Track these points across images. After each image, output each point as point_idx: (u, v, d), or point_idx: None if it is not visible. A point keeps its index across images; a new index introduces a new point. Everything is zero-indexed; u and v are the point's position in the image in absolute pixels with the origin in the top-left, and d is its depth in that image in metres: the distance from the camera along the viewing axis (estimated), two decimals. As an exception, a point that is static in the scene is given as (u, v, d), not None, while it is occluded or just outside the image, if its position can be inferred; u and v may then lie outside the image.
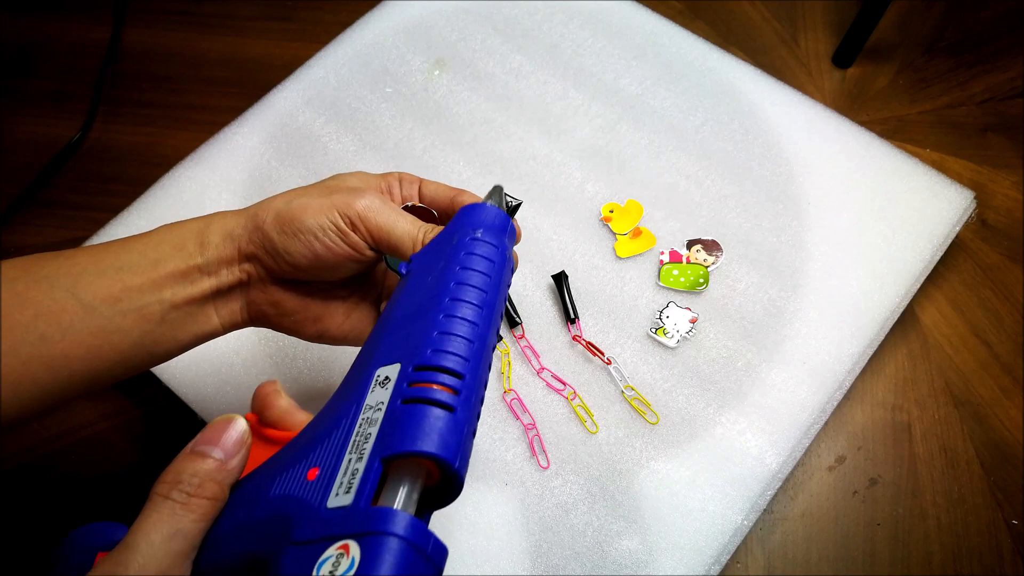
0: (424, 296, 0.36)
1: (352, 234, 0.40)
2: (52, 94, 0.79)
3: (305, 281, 0.43)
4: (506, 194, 0.42)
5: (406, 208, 0.43)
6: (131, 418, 0.64)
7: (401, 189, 0.45)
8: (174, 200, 0.69)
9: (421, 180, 0.46)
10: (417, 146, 0.71)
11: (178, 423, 0.61)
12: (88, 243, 0.66)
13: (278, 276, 0.42)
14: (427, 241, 0.40)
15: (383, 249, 0.41)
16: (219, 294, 0.42)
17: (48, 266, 0.38)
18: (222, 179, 0.70)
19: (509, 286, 0.40)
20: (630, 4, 0.78)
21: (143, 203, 0.69)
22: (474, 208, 0.41)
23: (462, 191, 0.45)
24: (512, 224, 0.42)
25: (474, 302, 0.36)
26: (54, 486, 0.61)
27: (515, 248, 0.44)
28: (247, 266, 0.42)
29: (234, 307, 0.43)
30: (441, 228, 0.41)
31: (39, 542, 0.59)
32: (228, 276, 0.41)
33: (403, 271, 0.40)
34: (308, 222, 0.40)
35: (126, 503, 0.61)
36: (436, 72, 0.75)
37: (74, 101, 0.79)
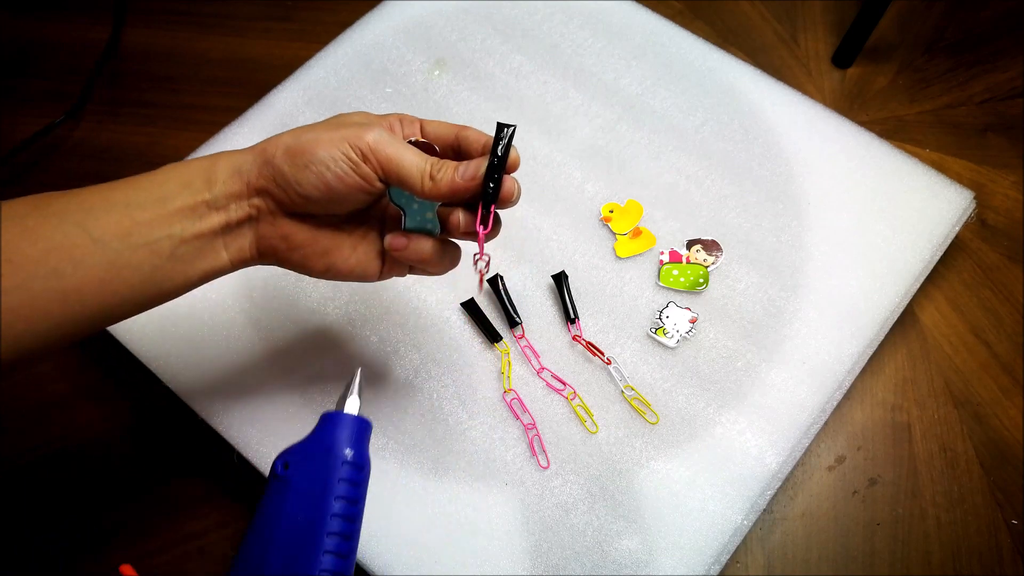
0: (304, 529, 0.42)
1: (363, 165, 0.41)
2: (52, 94, 0.79)
3: (314, 215, 0.44)
4: (500, 123, 0.43)
5: (410, 143, 0.44)
6: (131, 418, 0.64)
7: (402, 128, 0.46)
8: (174, 200, 0.68)
9: (421, 120, 0.47)
10: (417, 146, 0.71)
11: (178, 423, 0.61)
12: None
13: (288, 209, 0.43)
14: (435, 174, 0.42)
15: (392, 181, 0.42)
16: (228, 229, 0.42)
17: (56, 203, 0.39)
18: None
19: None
20: (630, 4, 0.78)
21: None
22: (336, 421, 0.45)
23: (465, 127, 0.46)
24: (370, 424, 0.45)
25: (343, 553, 0.42)
26: (54, 486, 0.61)
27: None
28: (256, 200, 0.42)
29: (243, 243, 0.43)
30: (450, 163, 0.42)
31: (39, 542, 0.59)
32: (237, 211, 0.42)
33: (280, 471, 0.44)
34: (320, 154, 0.41)
35: (126, 503, 0.62)
36: (436, 72, 0.75)
37: (73, 101, 0.79)
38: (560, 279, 0.63)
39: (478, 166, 0.42)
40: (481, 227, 0.44)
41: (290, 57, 0.78)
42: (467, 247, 0.49)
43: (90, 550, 0.59)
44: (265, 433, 0.58)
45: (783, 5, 0.84)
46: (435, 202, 0.45)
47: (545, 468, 0.57)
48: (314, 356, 0.61)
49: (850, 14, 0.78)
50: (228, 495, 0.61)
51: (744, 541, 0.56)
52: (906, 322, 0.65)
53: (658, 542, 0.54)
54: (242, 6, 0.86)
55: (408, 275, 0.49)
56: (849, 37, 0.78)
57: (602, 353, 0.60)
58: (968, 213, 0.66)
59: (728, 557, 0.54)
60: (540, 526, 0.55)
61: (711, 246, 0.65)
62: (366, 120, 0.44)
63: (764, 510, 0.56)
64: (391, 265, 0.47)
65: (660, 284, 0.63)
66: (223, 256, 0.43)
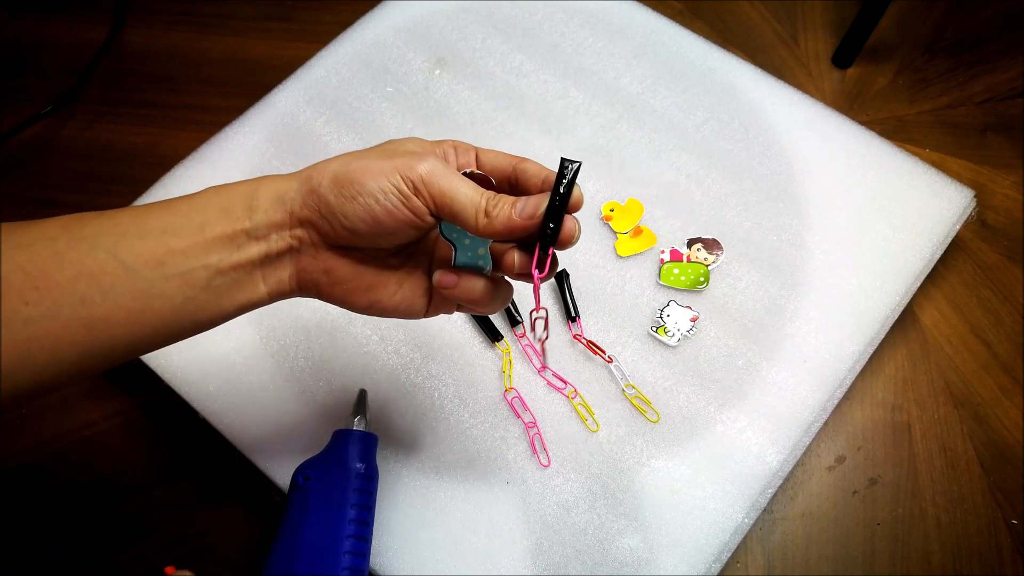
0: (326, 534, 0.49)
1: (414, 198, 0.38)
2: (52, 94, 0.79)
3: (359, 248, 0.41)
4: (564, 158, 0.40)
5: (465, 175, 0.41)
6: (132, 418, 0.64)
7: (456, 157, 0.44)
8: (174, 199, 0.68)
9: (477, 148, 0.44)
10: (417, 145, 0.71)
11: (179, 422, 0.61)
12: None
13: (332, 242, 0.40)
14: (490, 210, 0.39)
15: (444, 216, 0.39)
16: (267, 261, 0.40)
17: (89, 225, 0.37)
18: (223, 178, 0.69)
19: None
20: (630, 4, 0.78)
21: (143, 203, 0.68)
22: (348, 437, 0.53)
23: (524, 159, 0.43)
24: (376, 438, 0.54)
25: (362, 552, 0.50)
26: (54, 486, 0.61)
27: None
28: (299, 231, 0.40)
29: (283, 275, 0.41)
30: (507, 199, 0.39)
31: (39, 542, 0.59)
32: (278, 242, 0.40)
33: (300, 483, 0.51)
34: (369, 185, 0.38)
35: (126, 503, 0.61)
36: (437, 71, 0.75)
37: (74, 101, 0.79)
38: (561, 278, 0.62)
39: (537, 204, 0.39)
40: (537, 271, 0.40)
41: (290, 57, 0.78)
42: (519, 286, 0.46)
43: (90, 550, 0.59)
44: (266, 432, 0.58)
45: (783, 5, 0.84)
46: (489, 239, 0.42)
47: (546, 467, 0.57)
48: (315, 355, 0.61)
49: (850, 14, 0.78)
50: (228, 495, 0.60)
51: (744, 541, 0.56)
52: (906, 322, 0.65)
53: (659, 540, 0.54)
54: (242, 6, 0.86)
55: (455, 312, 0.46)
56: (849, 37, 0.78)
57: (603, 352, 0.60)
58: (968, 212, 0.66)
59: (729, 555, 0.54)
60: (541, 525, 0.55)
61: (712, 245, 0.65)
62: (419, 148, 0.41)
63: (764, 510, 0.56)
64: (438, 303, 0.44)
65: (661, 283, 0.63)
66: (261, 288, 0.40)
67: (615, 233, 0.65)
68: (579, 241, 0.40)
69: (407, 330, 0.62)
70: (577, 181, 0.39)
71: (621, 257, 0.65)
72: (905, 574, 0.57)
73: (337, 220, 0.39)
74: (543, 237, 0.39)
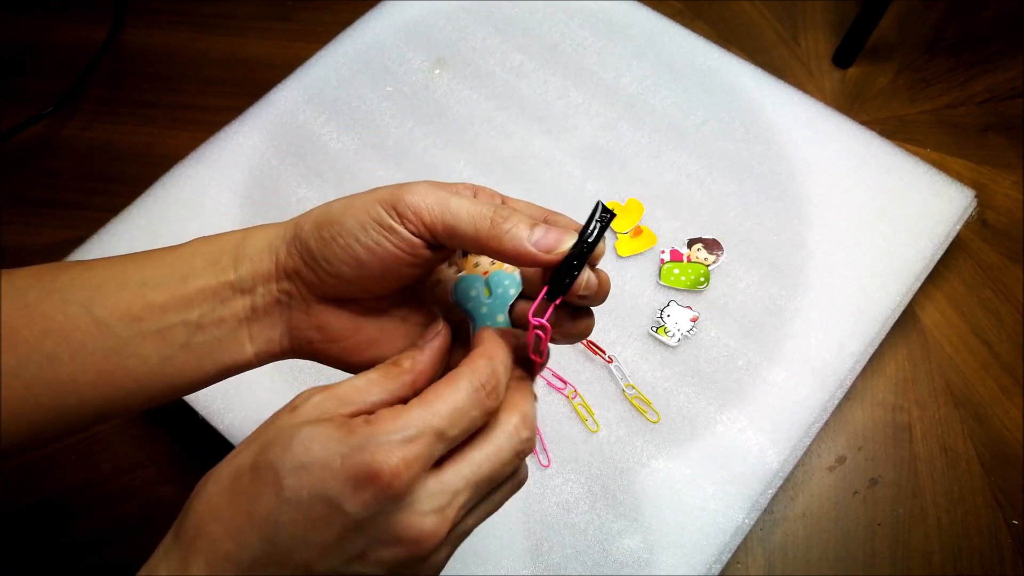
0: None
1: (400, 228, 0.33)
2: (52, 94, 0.79)
3: (354, 300, 0.37)
4: (602, 202, 0.34)
5: None
6: (132, 418, 0.64)
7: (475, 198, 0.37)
8: (174, 200, 0.68)
9: (503, 197, 0.39)
10: (417, 145, 0.71)
11: (179, 423, 0.61)
12: (88, 243, 0.66)
13: (322, 294, 0.36)
14: (500, 222, 0.33)
15: (439, 235, 0.34)
16: (255, 317, 0.36)
17: (63, 276, 0.35)
18: (222, 178, 0.70)
19: None
20: (630, 3, 0.78)
21: (143, 203, 0.68)
22: None
23: (556, 212, 0.37)
24: None
25: None
26: (54, 486, 0.61)
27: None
28: (286, 284, 0.36)
29: (272, 334, 0.37)
30: (523, 217, 0.34)
31: (39, 542, 0.59)
32: (265, 295, 0.36)
33: None
34: (348, 222, 0.34)
35: (126, 503, 0.61)
36: (436, 71, 0.75)
37: (74, 101, 0.79)
38: (561, 278, 0.62)
39: (559, 239, 0.33)
40: (536, 318, 0.34)
41: (290, 57, 0.78)
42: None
43: (90, 550, 0.59)
44: (265, 432, 0.58)
45: (783, 5, 0.84)
46: (507, 301, 0.37)
47: (546, 467, 0.57)
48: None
49: (850, 14, 0.78)
50: (228, 494, 0.60)
51: (744, 541, 0.56)
52: (907, 322, 0.65)
53: (659, 541, 0.54)
54: (242, 6, 0.86)
55: None
56: (849, 37, 0.78)
57: (603, 352, 0.60)
58: (969, 212, 0.66)
59: (729, 556, 0.54)
60: (541, 525, 0.55)
61: (712, 245, 0.65)
62: (417, 183, 0.35)
63: (764, 510, 0.56)
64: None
65: (661, 283, 0.63)
66: (247, 349, 0.36)
67: (615, 233, 0.65)
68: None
69: (407, 330, 0.62)
70: (589, 204, 0.34)
71: (621, 257, 0.65)
72: (905, 574, 0.57)
73: (320, 267, 0.35)
74: (555, 280, 0.33)
